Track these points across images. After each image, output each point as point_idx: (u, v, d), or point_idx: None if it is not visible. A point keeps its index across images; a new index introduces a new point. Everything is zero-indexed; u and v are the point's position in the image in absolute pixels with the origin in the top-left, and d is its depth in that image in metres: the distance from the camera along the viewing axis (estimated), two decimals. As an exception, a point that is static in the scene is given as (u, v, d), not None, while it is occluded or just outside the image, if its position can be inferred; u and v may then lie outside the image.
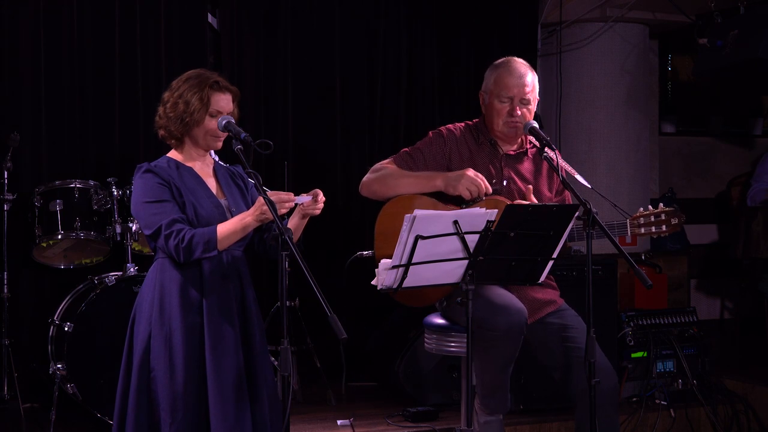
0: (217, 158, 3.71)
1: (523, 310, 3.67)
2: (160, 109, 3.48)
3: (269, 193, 3.28)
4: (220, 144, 3.49)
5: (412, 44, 6.41)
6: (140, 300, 3.46)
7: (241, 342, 3.41)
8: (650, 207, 3.80)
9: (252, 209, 3.31)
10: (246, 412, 3.35)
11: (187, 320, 3.35)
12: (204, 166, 3.54)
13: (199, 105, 3.40)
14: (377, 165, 3.97)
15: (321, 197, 3.39)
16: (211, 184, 3.51)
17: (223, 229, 3.31)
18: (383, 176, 3.90)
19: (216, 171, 3.57)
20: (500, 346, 3.69)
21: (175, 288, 3.37)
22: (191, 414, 3.33)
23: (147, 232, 3.38)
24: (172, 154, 3.52)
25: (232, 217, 3.40)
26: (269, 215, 3.23)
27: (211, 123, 3.43)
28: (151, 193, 3.36)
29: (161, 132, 3.49)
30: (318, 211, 3.40)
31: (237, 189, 3.57)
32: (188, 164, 3.50)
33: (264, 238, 3.52)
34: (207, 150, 3.53)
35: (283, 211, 3.32)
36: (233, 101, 3.49)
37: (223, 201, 3.48)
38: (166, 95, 3.48)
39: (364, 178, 3.97)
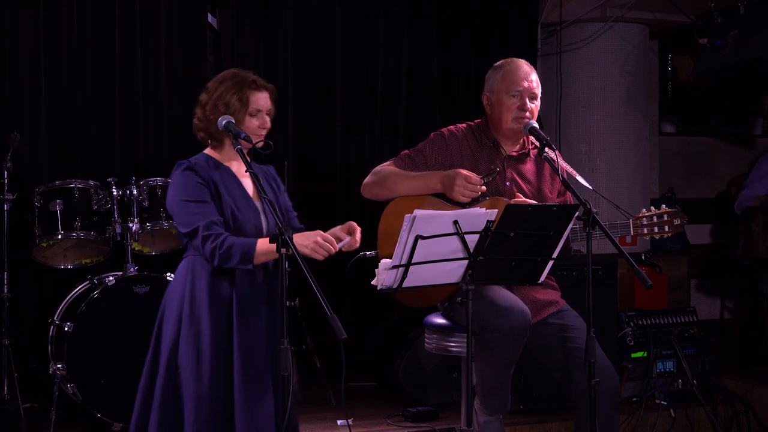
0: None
1: (526, 312, 3.67)
2: (199, 112, 3.49)
3: (319, 235, 3.29)
4: (260, 143, 3.50)
5: (412, 44, 6.41)
6: (169, 297, 3.48)
7: (268, 339, 3.42)
8: (652, 208, 3.80)
9: (305, 236, 3.29)
10: (270, 411, 3.36)
11: (217, 319, 3.37)
12: (241, 166, 3.53)
13: (239, 105, 3.42)
14: (378, 167, 3.97)
15: (358, 231, 3.41)
16: (248, 185, 3.52)
17: (262, 247, 3.28)
18: (383, 178, 3.90)
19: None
20: (503, 348, 3.69)
21: (206, 286, 3.39)
22: (216, 412, 3.35)
23: (183, 230, 3.39)
24: (210, 151, 3.53)
25: (267, 221, 3.43)
26: (317, 256, 3.26)
27: (252, 122, 3.45)
28: (191, 192, 3.36)
29: (200, 134, 3.51)
30: (357, 245, 3.41)
31: (271, 191, 3.58)
32: (226, 164, 3.51)
33: None
34: (246, 149, 3.54)
35: (324, 255, 3.31)
36: (270, 98, 3.51)
37: (258, 204, 3.49)
38: (203, 97, 3.49)
39: (365, 180, 3.97)
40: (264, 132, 3.50)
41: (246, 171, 3.33)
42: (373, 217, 3.98)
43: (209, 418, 3.34)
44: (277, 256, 3.23)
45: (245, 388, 3.34)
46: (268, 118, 3.52)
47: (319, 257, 3.30)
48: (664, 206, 3.81)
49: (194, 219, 3.34)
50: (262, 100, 3.48)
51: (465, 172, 3.73)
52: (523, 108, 3.84)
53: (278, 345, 3.42)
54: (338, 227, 3.46)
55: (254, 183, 3.46)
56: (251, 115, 3.45)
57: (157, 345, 3.46)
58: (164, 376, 3.39)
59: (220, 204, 3.40)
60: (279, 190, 3.64)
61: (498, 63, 3.97)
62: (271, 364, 3.42)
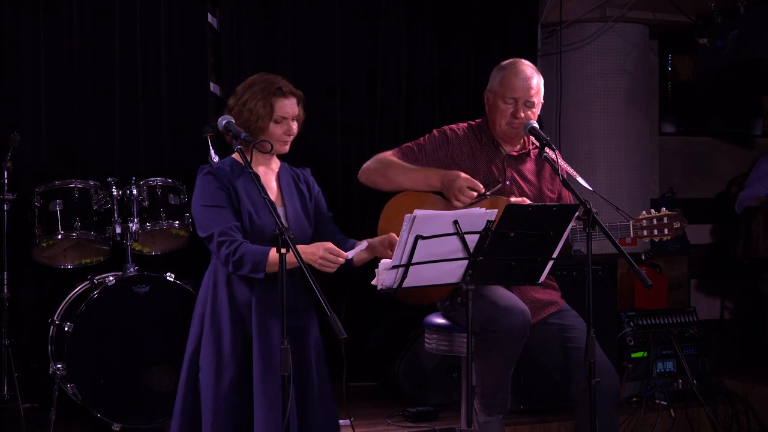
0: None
1: (526, 312, 3.67)
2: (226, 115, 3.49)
3: (323, 247, 3.31)
4: (287, 148, 3.52)
5: (412, 44, 6.40)
6: (197, 301, 3.51)
7: (291, 339, 3.42)
8: (653, 210, 3.81)
9: (312, 253, 3.29)
10: (291, 417, 3.35)
11: (236, 322, 3.40)
12: (268, 171, 3.56)
13: (263, 112, 3.43)
14: (380, 155, 3.97)
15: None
16: (273, 190, 3.53)
17: (275, 257, 3.26)
18: (385, 167, 3.91)
19: (280, 176, 3.59)
20: (503, 347, 3.69)
21: (226, 289, 3.41)
22: (233, 415, 3.37)
23: (201, 234, 3.41)
24: (237, 156, 3.52)
25: (289, 226, 3.39)
26: (327, 269, 3.28)
27: (276, 129, 3.46)
28: (209, 198, 3.38)
29: (228, 137, 3.50)
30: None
31: (298, 195, 3.59)
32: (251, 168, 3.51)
33: None
34: (274, 154, 3.55)
35: (334, 269, 3.33)
36: (298, 104, 3.51)
37: (281, 210, 3.49)
38: (231, 102, 3.51)
39: (366, 165, 3.97)
40: (289, 139, 3.52)
41: (247, 170, 3.32)
42: (373, 216, 3.97)
43: (227, 421, 3.36)
44: (291, 267, 3.25)
45: (264, 391, 3.34)
46: (294, 125, 3.52)
47: (330, 270, 3.30)
48: (664, 209, 3.82)
49: (211, 224, 3.36)
50: (288, 107, 3.48)
51: (466, 176, 3.73)
52: (515, 115, 3.84)
53: (308, 344, 3.54)
54: (377, 239, 3.48)
55: (278, 186, 3.53)
56: (276, 122, 3.46)
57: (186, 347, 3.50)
58: (186, 377, 3.44)
59: (238, 209, 3.41)
60: (311, 193, 3.64)
61: (504, 63, 3.95)
62: (299, 365, 3.43)
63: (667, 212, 3.78)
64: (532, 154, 3.97)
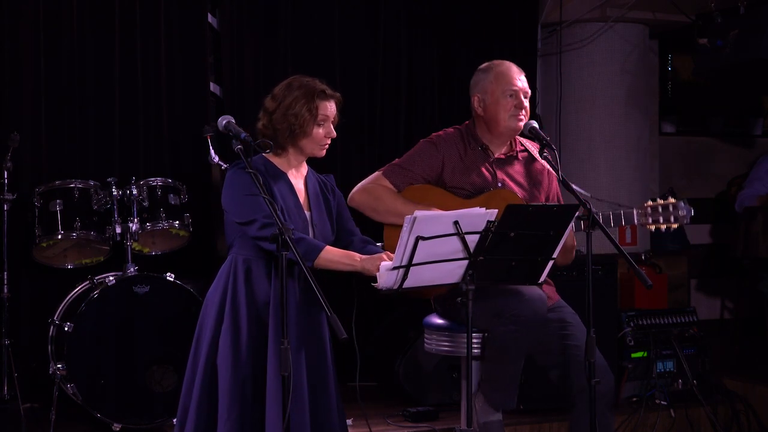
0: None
1: (545, 298, 3.71)
2: (265, 119, 3.50)
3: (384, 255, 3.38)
4: (324, 152, 3.54)
5: (411, 44, 6.40)
6: (209, 297, 3.50)
7: (306, 338, 3.44)
8: (659, 199, 3.78)
9: (369, 262, 3.35)
10: (303, 416, 3.37)
11: (254, 317, 3.40)
12: (298, 175, 3.56)
13: (308, 116, 3.44)
14: (370, 185, 3.93)
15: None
16: (301, 194, 3.54)
17: (328, 255, 3.34)
18: (375, 200, 3.89)
19: (307, 180, 3.59)
20: (524, 333, 3.67)
21: (244, 285, 3.41)
22: (248, 413, 3.36)
23: (240, 220, 3.40)
24: (270, 156, 3.53)
25: (314, 231, 3.46)
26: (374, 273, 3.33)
27: (319, 132, 3.47)
28: (247, 188, 3.34)
29: (264, 141, 3.49)
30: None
31: (324, 201, 3.59)
32: (284, 170, 3.51)
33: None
34: (310, 156, 3.56)
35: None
36: (336, 106, 3.53)
37: (308, 214, 3.51)
38: (270, 104, 3.49)
39: (357, 197, 3.93)
40: (329, 141, 3.52)
41: (247, 170, 3.31)
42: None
43: (241, 418, 3.35)
44: (340, 268, 3.34)
45: (276, 389, 3.32)
46: (332, 127, 3.53)
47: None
48: (671, 198, 3.79)
49: (253, 209, 3.34)
50: (329, 109, 3.49)
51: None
52: (520, 107, 3.86)
53: (324, 341, 3.53)
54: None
55: (305, 190, 3.54)
56: (318, 125, 3.47)
57: (198, 345, 3.48)
58: (202, 375, 3.42)
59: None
60: (333, 199, 3.64)
61: (484, 66, 3.98)
62: (308, 367, 3.43)
63: (673, 200, 3.76)
64: (519, 156, 3.98)
